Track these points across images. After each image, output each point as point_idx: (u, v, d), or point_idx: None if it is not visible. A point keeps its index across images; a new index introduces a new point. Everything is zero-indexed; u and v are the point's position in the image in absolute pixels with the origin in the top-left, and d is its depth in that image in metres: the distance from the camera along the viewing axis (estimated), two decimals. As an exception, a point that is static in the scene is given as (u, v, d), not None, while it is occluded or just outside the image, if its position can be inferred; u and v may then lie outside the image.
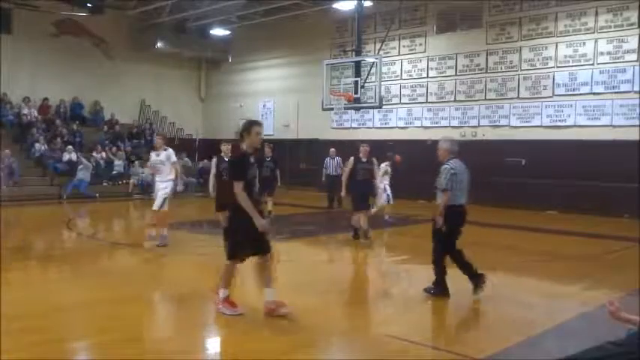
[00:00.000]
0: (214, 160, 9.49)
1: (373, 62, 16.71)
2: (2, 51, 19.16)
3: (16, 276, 7.81)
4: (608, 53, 15.51)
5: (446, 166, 6.45)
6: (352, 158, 10.61)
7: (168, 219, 10.08)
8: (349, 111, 19.22)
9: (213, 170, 9.57)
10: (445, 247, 6.49)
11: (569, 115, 16.17)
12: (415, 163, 16.74)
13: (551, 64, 16.53)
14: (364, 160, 10.53)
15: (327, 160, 16.48)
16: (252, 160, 5.72)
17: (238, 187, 5.50)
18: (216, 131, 25.20)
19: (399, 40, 19.65)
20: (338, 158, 16.30)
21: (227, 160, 8.91)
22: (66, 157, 18.93)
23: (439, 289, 6.51)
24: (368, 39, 19.55)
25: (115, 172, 19.73)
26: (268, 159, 13.37)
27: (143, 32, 22.47)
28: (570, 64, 16.16)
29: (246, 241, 5.63)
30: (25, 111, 20.19)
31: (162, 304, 6.54)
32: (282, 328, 5.54)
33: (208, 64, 26.00)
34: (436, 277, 6.55)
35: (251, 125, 5.75)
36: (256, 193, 5.77)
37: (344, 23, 20.76)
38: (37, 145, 19.04)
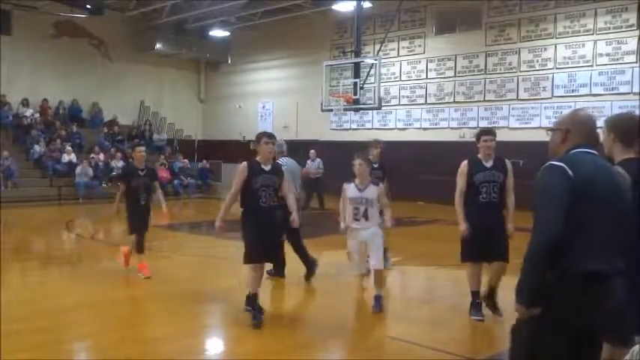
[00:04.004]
0: (249, 164, 5.66)
1: (372, 63, 16.72)
2: (1, 52, 19.16)
3: (16, 277, 7.82)
4: (607, 55, 15.53)
5: (278, 162, 7.16)
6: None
7: None
8: (348, 112, 19.23)
9: (238, 185, 5.65)
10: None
11: (568, 117, 16.20)
12: (414, 164, 16.79)
13: (550, 65, 16.55)
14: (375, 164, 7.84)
15: (308, 162, 16.27)
16: None
17: None
18: (216, 132, 25.23)
19: (398, 41, 19.66)
20: (318, 160, 16.29)
21: (272, 167, 5.72)
22: (65, 158, 18.93)
23: (310, 270, 7.42)
24: (367, 40, 19.56)
25: (114, 173, 19.72)
26: (376, 165, 8.00)
27: (142, 33, 22.46)
28: (569, 65, 16.18)
29: None
30: (27, 113, 20.19)
31: (163, 305, 6.53)
32: (282, 328, 5.55)
33: (208, 65, 25.99)
34: (303, 262, 7.45)
35: None
36: None
37: (343, 24, 20.76)
38: (36, 147, 19.03)
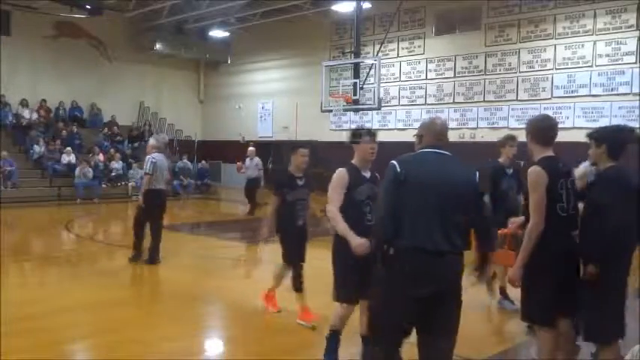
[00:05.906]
0: (348, 171, 4.49)
1: (372, 64, 16.75)
2: (1, 52, 19.14)
3: (16, 277, 7.82)
4: (607, 55, 15.53)
5: (149, 157, 8.22)
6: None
7: None
8: (348, 112, 19.24)
9: (340, 197, 4.41)
10: (141, 221, 8.30)
11: (567, 117, 16.19)
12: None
13: (549, 66, 16.56)
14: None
15: (247, 160, 15.37)
16: None
17: None
18: (216, 133, 25.23)
19: (398, 41, 19.66)
20: (257, 159, 15.42)
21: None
22: (65, 159, 18.93)
23: (135, 255, 8.22)
24: (367, 41, 19.57)
25: (113, 174, 19.73)
26: (510, 171, 6.67)
27: (142, 34, 22.45)
28: (569, 66, 16.19)
29: None
30: (27, 114, 20.17)
31: (162, 306, 6.54)
32: (282, 328, 5.54)
33: (207, 65, 25.99)
34: (134, 245, 8.26)
35: None
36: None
37: (343, 25, 20.77)
38: (36, 147, 19.02)
